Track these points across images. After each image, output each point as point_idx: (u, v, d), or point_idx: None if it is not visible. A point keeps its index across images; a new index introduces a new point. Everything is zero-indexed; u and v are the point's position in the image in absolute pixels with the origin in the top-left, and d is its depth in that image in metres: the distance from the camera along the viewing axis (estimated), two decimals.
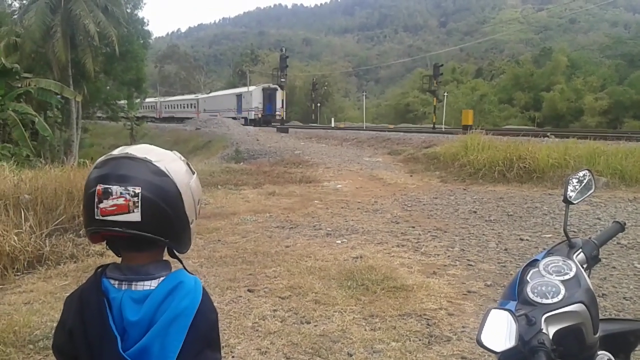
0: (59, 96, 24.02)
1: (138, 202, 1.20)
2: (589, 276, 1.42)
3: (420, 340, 3.88)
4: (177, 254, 1.38)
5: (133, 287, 1.27)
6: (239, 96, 49.72)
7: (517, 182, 11.51)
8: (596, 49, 70.11)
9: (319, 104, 63.80)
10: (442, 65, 41.77)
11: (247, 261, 5.92)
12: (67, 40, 26.96)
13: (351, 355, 3.66)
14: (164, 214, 1.24)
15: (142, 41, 40.20)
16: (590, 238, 1.58)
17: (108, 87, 38.12)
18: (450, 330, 4.04)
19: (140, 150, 1.28)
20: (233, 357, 3.66)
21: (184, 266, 1.39)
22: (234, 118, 42.89)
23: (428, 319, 4.25)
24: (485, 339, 1.16)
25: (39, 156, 17.16)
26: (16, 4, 36.61)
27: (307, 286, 4.98)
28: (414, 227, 7.77)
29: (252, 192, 11.15)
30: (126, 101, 42.18)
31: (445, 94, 39.74)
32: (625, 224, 1.69)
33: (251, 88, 48.48)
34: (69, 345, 1.26)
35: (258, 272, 5.49)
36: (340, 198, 10.39)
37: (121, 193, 1.20)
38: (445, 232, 7.46)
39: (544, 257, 1.45)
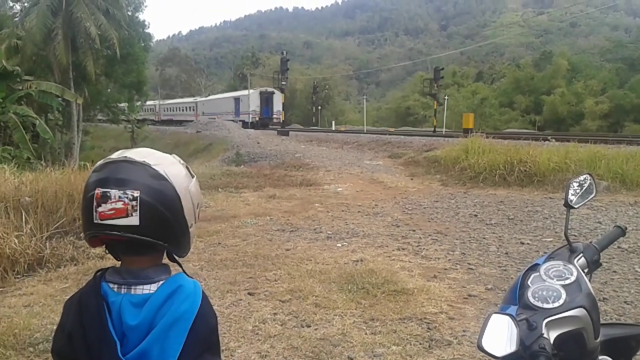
0: (59, 99, 24.02)
1: (137, 206, 1.20)
2: (589, 281, 1.42)
3: (420, 344, 3.87)
4: (176, 257, 1.38)
5: (132, 291, 1.27)
6: (237, 99, 50.26)
7: (517, 186, 11.51)
8: (597, 53, 70.19)
9: (319, 107, 63.83)
10: (442, 68, 41.88)
11: (248, 264, 5.92)
12: (68, 42, 26.97)
13: (352, 359, 3.65)
14: (162, 217, 1.24)
15: (143, 44, 40.21)
16: (591, 242, 1.58)
17: (109, 90, 38.10)
18: (451, 334, 4.04)
19: (139, 153, 1.28)
20: None
21: (183, 270, 1.38)
22: (233, 121, 43.13)
23: (429, 323, 4.24)
24: (486, 343, 1.15)
25: (39, 159, 17.14)
26: (17, 7, 36.70)
27: (308, 289, 4.97)
28: (414, 230, 7.77)
29: (253, 195, 11.15)
30: (127, 104, 42.18)
31: (446, 97, 39.79)
32: (626, 228, 1.69)
33: (249, 91, 49.11)
34: (68, 349, 1.26)
35: (258, 276, 5.48)
36: (341, 201, 10.39)
37: (120, 197, 1.19)
38: (446, 235, 7.46)
39: (544, 262, 1.44)
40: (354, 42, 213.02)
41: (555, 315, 1.24)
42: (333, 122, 49.28)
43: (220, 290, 4.99)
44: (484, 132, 17.80)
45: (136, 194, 1.20)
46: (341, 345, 3.84)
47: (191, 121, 52.93)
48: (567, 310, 1.26)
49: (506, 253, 6.44)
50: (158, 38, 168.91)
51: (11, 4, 38.13)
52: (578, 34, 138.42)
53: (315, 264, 5.90)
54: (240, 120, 43.89)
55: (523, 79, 57.51)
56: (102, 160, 1.28)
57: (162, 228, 1.25)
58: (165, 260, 1.37)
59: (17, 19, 31.20)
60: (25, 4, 32.59)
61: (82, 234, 1.34)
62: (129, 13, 35.89)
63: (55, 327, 1.34)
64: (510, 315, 1.19)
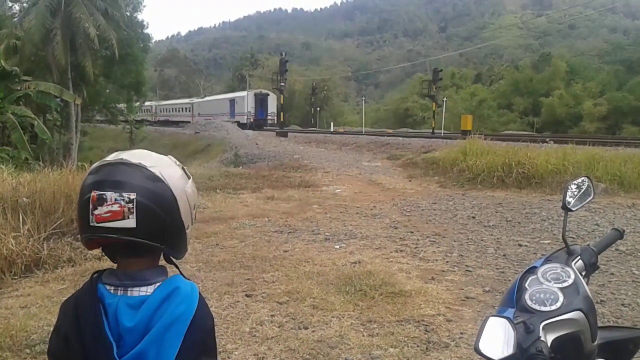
0: (58, 99, 24.01)
1: (133, 208, 1.20)
2: (587, 283, 1.41)
3: (418, 346, 3.87)
4: (173, 259, 1.37)
5: (129, 293, 1.26)
6: (232, 101, 51.25)
7: (515, 188, 11.52)
8: (595, 55, 70.24)
9: (318, 109, 63.91)
10: (441, 70, 41.83)
11: (245, 266, 5.92)
12: (67, 43, 26.94)
13: None
14: (159, 219, 1.24)
15: (142, 45, 40.20)
16: (589, 245, 1.58)
17: (107, 91, 38.06)
18: (449, 337, 4.04)
19: (135, 155, 1.28)
20: None
21: (180, 272, 1.38)
22: (228, 121, 43.40)
23: (426, 325, 4.24)
24: (483, 346, 1.15)
25: (37, 159, 17.18)
26: (16, 7, 36.69)
27: (305, 291, 4.97)
28: (412, 232, 7.77)
29: (251, 196, 11.14)
30: (125, 105, 42.18)
31: (445, 99, 39.79)
32: (624, 231, 1.69)
33: (243, 93, 50.53)
34: (65, 351, 1.25)
35: (256, 277, 5.48)
36: (339, 203, 10.39)
37: (116, 199, 1.19)
38: (444, 237, 7.46)
39: (542, 264, 1.44)
40: (353, 43, 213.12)
41: (552, 318, 1.24)
42: (332, 124, 49.35)
43: (218, 292, 4.99)
44: (483, 133, 17.78)
45: (132, 196, 1.20)
46: (339, 347, 3.84)
47: (187, 122, 53.91)
48: (564, 313, 1.25)
49: (504, 255, 6.44)
50: (157, 39, 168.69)
51: (10, 4, 38.15)
52: (577, 36, 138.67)
53: (313, 265, 5.90)
54: (235, 121, 44.21)
55: (521, 80, 57.56)
56: (97, 163, 1.27)
57: (159, 230, 1.25)
58: (162, 262, 1.37)
59: (15, 19, 31.17)
60: (24, 4, 32.61)
61: (79, 236, 1.34)
62: (128, 13, 35.86)
63: (51, 329, 1.33)
64: (508, 318, 1.18)
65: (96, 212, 1.19)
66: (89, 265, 5.86)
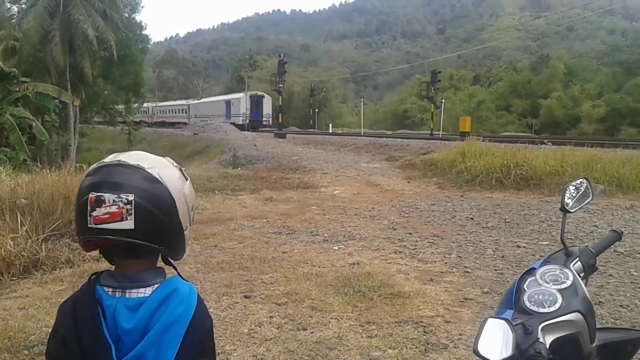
0: (56, 100, 23.99)
1: (131, 209, 1.20)
2: (586, 285, 1.41)
3: (417, 347, 3.87)
4: (171, 260, 1.37)
5: (127, 295, 1.26)
6: (228, 102, 51.95)
7: (514, 189, 11.53)
8: (593, 57, 70.48)
9: (317, 110, 63.86)
10: (440, 72, 41.84)
11: (244, 267, 5.91)
12: (66, 44, 26.90)
13: None
14: (157, 221, 1.24)
15: (140, 46, 40.17)
16: (587, 246, 1.58)
17: (106, 92, 37.99)
18: (447, 338, 4.04)
19: (133, 157, 1.28)
20: None
21: (178, 273, 1.38)
22: (225, 123, 43.67)
23: (425, 326, 4.24)
24: (482, 348, 1.15)
25: (36, 160, 17.14)
26: (15, 8, 36.63)
27: (304, 292, 4.96)
28: (411, 233, 7.77)
29: (250, 197, 11.14)
30: (124, 106, 42.15)
31: (443, 100, 39.75)
32: (622, 232, 1.69)
33: (239, 95, 51.34)
34: (63, 353, 1.25)
35: (254, 278, 5.47)
36: (338, 204, 10.39)
37: (114, 201, 1.19)
38: (442, 238, 7.46)
39: (540, 266, 1.44)
40: (352, 45, 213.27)
41: (551, 319, 1.24)
42: (330, 125, 49.46)
43: (216, 293, 4.98)
44: (481, 135, 17.83)
45: (130, 197, 1.20)
46: (337, 349, 3.83)
47: (184, 123, 54.91)
48: (563, 315, 1.25)
49: (502, 256, 6.44)
50: (155, 40, 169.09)
51: (8, 6, 38.09)
52: (575, 37, 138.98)
53: (311, 266, 5.90)
54: (231, 123, 44.54)
55: (520, 82, 57.68)
56: (95, 164, 1.27)
57: (157, 231, 1.25)
58: (161, 263, 1.37)
59: (14, 20, 31.12)
60: (23, 6, 32.55)
61: (77, 237, 1.33)
62: (126, 15, 35.83)
63: (50, 331, 1.33)
64: (506, 320, 1.18)
65: (94, 213, 1.19)
66: (87, 266, 5.86)
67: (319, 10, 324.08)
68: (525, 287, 1.38)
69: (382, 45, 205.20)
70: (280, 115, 38.16)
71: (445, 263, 6.17)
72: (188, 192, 1.33)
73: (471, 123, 29.25)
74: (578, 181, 1.67)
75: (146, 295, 1.26)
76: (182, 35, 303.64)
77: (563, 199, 1.58)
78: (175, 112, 64.33)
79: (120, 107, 41.99)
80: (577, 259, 1.49)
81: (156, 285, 1.28)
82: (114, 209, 1.19)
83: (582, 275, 1.47)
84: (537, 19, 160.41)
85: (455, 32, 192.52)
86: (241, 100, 49.06)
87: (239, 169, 18.04)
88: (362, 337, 4.05)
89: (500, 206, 9.83)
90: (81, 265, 5.96)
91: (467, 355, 3.70)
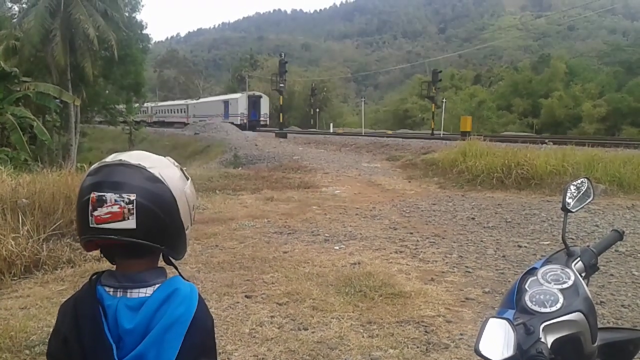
0: (57, 100, 23.98)
1: (133, 209, 1.20)
2: (587, 285, 1.41)
3: (418, 347, 3.87)
4: (172, 260, 1.37)
5: (128, 295, 1.26)
6: (226, 102, 52.72)
7: (515, 189, 11.52)
8: (594, 56, 70.39)
9: (317, 110, 63.89)
10: (440, 71, 41.83)
11: (245, 267, 5.91)
12: (66, 44, 26.91)
13: None
14: (159, 220, 1.24)
15: (141, 45, 40.19)
16: (588, 246, 1.58)
17: (107, 92, 38.04)
18: (448, 338, 4.03)
19: (134, 156, 1.28)
20: None
21: (179, 273, 1.38)
22: (226, 123, 43.95)
23: (426, 326, 4.24)
24: (484, 348, 1.15)
25: (37, 160, 17.11)
26: (15, 8, 36.66)
27: (305, 292, 4.96)
28: (412, 233, 7.77)
29: (251, 197, 11.14)
30: (125, 105, 42.17)
31: (444, 100, 39.79)
32: (624, 232, 1.68)
33: (237, 95, 52.48)
34: (64, 353, 1.25)
35: (256, 278, 5.47)
36: (339, 204, 10.38)
37: (116, 200, 1.19)
38: (444, 238, 7.46)
39: (542, 266, 1.44)
40: (353, 44, 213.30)
41: (552, 319, 1.24)
42: (331, 125, 49.52)
43: (217, 293, 4.98)
44: (482, 135, 17.83)
45: (132, 197, 1.20)
46: (338, 349, 3.83)
47: (182, 123, 55.73)
48: (564, 315, 1.25)
49: (503, 256, 6.44)
50: (156, 40, 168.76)
51: (9, 5, 38.14)
52: (576, 37, 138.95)
53: (312, 266, 5.89)
54: (229, 122, 44.82)
55: (521, 82, 57.65)
56: (96, 164, 1.27)
57: (159, 231, 1.25)
58: (162, 263, 1.37)
59: (15, 20, 31.14)
60: (24, 5, 32.57)
61: (78, 237, 1.33)
62: (126, 14, 35.84)
63: (51, 330, 1.33)
64: (508, 320, 1.18)
65: (96, 213, 1.19)
66: (89, 266, 5.86)
67: (320, 9, 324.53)
68: (526, 287, 1.37)
69: (383, 45, 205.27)
70: (281, 115, 38.17)
71: (447, 263, 6.17)
72: (189, 192, 1.33)
73: (472, 123, 29.21)
74: (579, 181, 1.66)
75: (147, 295, 1.26)
76: (182, 34, 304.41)
77: (564, 198, 1.58)
78: (174, 112, 64.93)
79: (121, 106, 42.01)
80: (579, 258, 1.49)
81: (157, 285, 1.28)
82: (115, 208, 1.19)
83: (583, 275, 1.46)
84: (538, 19, 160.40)
85: (456, 32, 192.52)
86: (239, 100, 49.90)
87: (240, 168, 18.03)
88: (363, 337, 4.05)
89: (502, 206, 9.83)
90: (82, 265, 5.96)
91: (468, 355, 3.70)
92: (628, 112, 44.78)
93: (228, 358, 3.70)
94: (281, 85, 35.95)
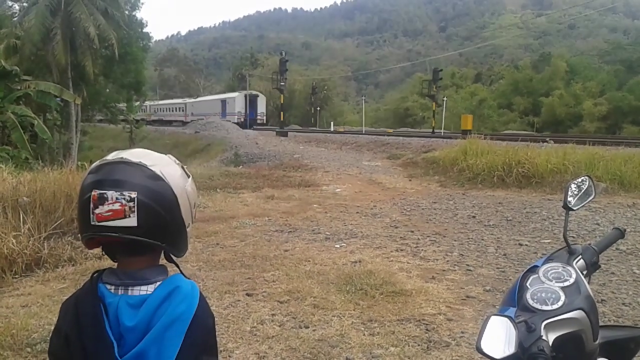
0: (58, 99, 23.99)
1: (134, 207, 1.20)
2: (588, 283, 1.41)
3: (419, 345, 3.87)
4: (173, 258, 1.38)
5: (129, 292, 1.26)
6: (224, 101, 53.99)
7: (516, 187, 11.52)
8: (595, 55, 70.34)
9: (318, 108, 64.00)
10: (441, 70, 41.81)
11: (246, 265, 5.91)
12: (67, 42, 26.93)
13: None
14: (160, 218, 1.24)
15: (142, 44, 40.18)
16: (590, 244, 1.58)
17: (107, 90, 38.06)
18: (449, 336, 4.03)
19: (135, 154, 1.28)
20: None
21: (180, 270, 1.38)
22: (227, 121, 44.32)
23: (427, 324, 4.24)
24: (485, 345, 1.15)
25: (37, 159, 17.14)
26: (16, 7, 36.64)
27: (306, 290, 4.96)
28: (412, 231, 7.76)
29: (251, 195, 11.14)
30: (125, 104, 42.18)
31: (445, 98, 39.75)
32: (625, 230, 1.69)
33: (234, 94, 53.80)
34: (65, 351, 1.25)
35: (256, 276, 5.47)
36: (339, 202, 10.38)
37: (117, 198, 1.19)
38: (444, 236, 7.46)
39: (543, 264, 1.44)
40: (353, 43, 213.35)
41: (554, 317, 1.24)
42: (332, 123, 49.60)
43: (218, 291, 4.99)
44: (483, 133, 17.79)
45: (133, 195, 1.20)
46: (339, 347, 3.83)
47: (180, 121, 57.16)
48: (565, 313, 1.25)
49: (504, 254, 6.44)
50: (157, 38, 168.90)
51: (10, 4, 38.10)
52: (576, 35, 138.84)
53: (313, 264, 5.90)
54: (227, 121, 45.23)
55: (521, 80, 57.63)
56: (97, 162, 1.27)
57: (160, 228, 1.25)
58: (163, 261, 1.37)
59: (15, 18, 31.16)
60: (24, 4, 32.54)
61: (79, 235, 1.33)
62: (127, 12, 35.83)
63: (52, 328, 1.33)
64: (509, 317, 1.18)
65: (97, 211, 1.19)
66: (90, 264, 5.86)
67: (321, 8, 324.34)
68: (528, 284, 1.37)
69: (384, 44, 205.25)
70: (281, 113, 38.23)
71: (447, 261, 6.17)
72: (190, 190, 1.33)
73: (473, 121, 29.24)
74: (580, 179, 1.66)
75: (148, 292, 1.26)
76: (183, 33, 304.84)
77: (566, 197, 1.58)
78: (173, 111, 65.80)
79: (122, 105, 42.03)
80: (580, 256, 1.49)
81: (158, 283, 1.28)
82: (116, 206, 1.19)
83: (584, 273, 1.47)
84: (538, 17, 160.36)
85: (457, 30, 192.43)
86: (236, 99, 51.11)
87: (241, 167, 18.03)
88: (364, 335, 4.05)
89: (502, 204, 9.82)
90: (83, 263, 5.96)
91: (469, 353, 3.70)
92: (629, 110, 44.76)
93: (229, 356, 3.70)
94: (282, 83, 35.99)
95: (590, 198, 1.66)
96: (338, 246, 6.84)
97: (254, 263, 5.98)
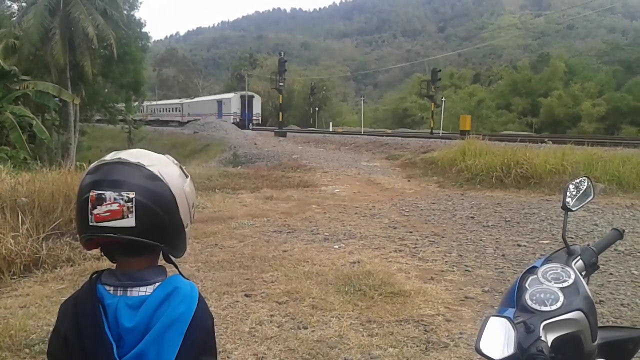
0: (56, 99, 23.98)
1: (132, 207, 1.20)
2: (587, 283, 1.41)
3: (417, 346, 3.87)
4: (172, 258, 1.37)
5: (128, 293, 1.26)
6: (220, 102, 54.74)
7: (514, 188, 11.52)
8: (594, 55, 70.45)
9: (317, 108, 64.01)
10: (440, 70, 41.90)
11: (244, 266, 5.91)
12: (66, 42, 26.90)
13: None
14: (158, 218, 1.24)
15: (140, 44, 40.14)
16: (588, 245, 1.58)
17: (106, 90, 38.00)
18: (448, 337, 4.03)
19: (133, 154, 1.28)
20: None
21: (179, 271, 1.38)
22: (225, 122, 44.57)
23: (425, 325, 4.24)
24: (484, 346, 1.15)
25: (36, 159, 17.08)
26: (15, 6, 36.59)
27: (305, 291, 4.96)
28: (411, 232, 7.77)
29: (250, 196, 11.14)
30: (124, 104, 42.14)
31: (443, 99, 39.78)
32: (623, 231, 1.69)
33: (230, 95, 54.64)
34: (64, 352, 1.25)
35: (255, 277, 5.47)
36: (338, 203, 10.38)
37: (115, 199, 1.19)
38: (443, 237, 7.46)
39: (542, 264, 1.44)
40: (352, 43, 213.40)
41: (552, 318, 1.24)
42: (330, 124, 49.65)
43: (217, 292, 4.98)
44: (481, 133, 17.82)
45: (131, 195, 1.20)
46: (338, 347, 3.83)
47: (177, 121, 57.96)
48: (564, 313, 1.25)
49: (503, 255, 6.44)
50: (156, 38, 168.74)
51: (9, 4, 38.03)
52: (575, 36, 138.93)
53: (312, 265, 5.89)
54: (224, 121, 45.59)
55: (520, 81, 57.72)
56: (95, 162, 1.27)
57: (158, 229, 1.25)
58: (162, 261, 1.37)
59: (14, 18, 31.11)
60: (23, 4, 32.49)
61: (78, 236, 1.33)
62: (125, 12, 35.78)
63: (51, 329, 1.33)
64: (508, 318, 1.18)
65: (95, 211, 1.19)
66: (88, 265, 5.86)
67: (319, 8, 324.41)
68: (527, 285, 1.37)
69: (383, 44, 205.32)
70: (280, 113, 38.25)
71: (446, 262, 6.17)
72: (188, 190, 1.33)
73: (471, 122, 29.26)
74: (579, 180, 1.67)
75: (147, 293, 1.26)
76: (182, 33, 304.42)
77: (565, 197, 1.58)
78: (169, 111, 66.53)
79: (121, 105, 42.00)
80: (579, 257, 1.49)
81: (157, 284, 1.28)
82: (114, 206, 1.19)
83: (583, 273, 1.47)
84: (537, 18, 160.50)
85: (456, 31, 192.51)
86: (232, 99, 51.97)
87: (239, 167, 18.03)
88: (362, 335, 4.05)
89: (501, 205, 9.83)
90: (82, 263, 5.96)
91: (467, 354, 3.70)
92: (627, 111, 44.85)
93: (227, 357, 3.70)
94: (280, 84, 36.03)
95: (589, 199, 1.66)
96: (337, 247, 6.84)
97: (252, 264, 5.98)
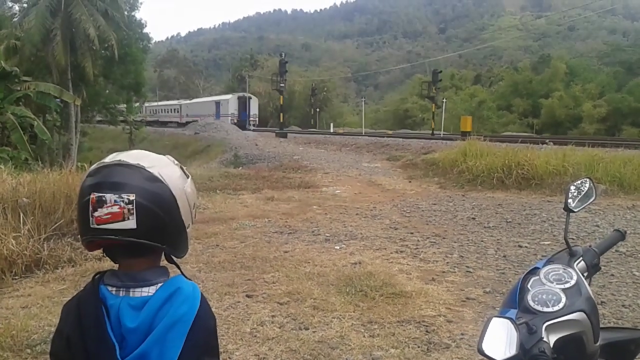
0: (58, 100, 23.99)
1: (133, 209, 1.20)
2: (589, 284, 1.41)
3: (419, 347, 3.87)
4: (174, 259, 1.38)
5: (131, 294, 1.26)
6: (218, 103, 55.46)
7: (515, 189, 11.52)
8: (594, 57, 70.47)
9: (318, 109, 64.03)
10: (441, 71, 41.88)
11: (246, 266, 5.91)
12: (67, 43, 26.95)
13: None
14: (159, 220, 1.24)
15: (141, 44, 40.18)
16: (590, 246, 1.58)
17: (107, 91, 38.03)
18: (449, 337, 4.03)
19: (133, 156, 1.28)
20: None
21: (181, 272, 1.38)
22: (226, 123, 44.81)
23: (427, 326, 4.24)
24: (486, 347, 1.15)
25: (37, 160, 17.10)
26: (16, 7, 36.67)
27: (306, 292, 4.96)
28: (412, 233, 7.76)
29: (251, 197, 11.14)
30: (125, 105, 42.16)
31: (444, 100, 39.82)
32: (625, 232, 1.68)
33: (228, 96, 55.43)
34: (67, 353, 1.25)
35: (256, 278, 5.47)
36: (339, 203, 10.38)
37: (115, 201, 1.19)
38: (444, 238, 7.46)
39: (544, 265, 1.44)
40: (353, 44, 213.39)
41: (555, 319, 1.24)
42: (331, 125, 49.65)
43: (219, 293, 4.99)
44: (482, 135, 17.83)
45: (132, 197, 1.20)
46: (339, 348, 3.83)
47: (175, 122, 58.85)
48: (567, 314, 1.25)
49: (504, 256, 6.44)
50: (157, 39, 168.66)
51: (10, 5, 38.16)
52: (576, 37, 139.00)
53: (313, 266, 5.89)
54: (224, 122, 45.65)
55: (521, 82, 57.68)
56: (96, 164, 1.27)
57: (159, 230, 1.25)
58: (164, 262, 1.37)
59: (15, 19, 31.17)
60: (24, 5, 32.58)
61: (79, 237, 1.34)
62: (126, 12, 35.82)
63: (53, 329, 1.33)
64: (510, 319, 1.18)
65: (96, 214, 1.19)
66: (90, 265, 5.86)
67: (320, 9, 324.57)
68: (529, 286, 1.37)
69: (383, 45, 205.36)
70: (281, 114, 38.25)
71: (447, 263, 6.17)
72: (189, 190, 1.33)
73: (472, 123, 29.26)
74: (581, 181, 1.67)
75: (150, 294, 1.26)
76: (183, 34, 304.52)
77: (566, 198, 1.58)
78: (168, 112, 66.91)
79: (122, 106, 42.02)
80: (581, 258, 1.49)
81: (160, 284, 1.28)
82: (115, 209, 1.19)
83: (585, 274, 1.47)
84: (538, 19, 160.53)
85: (456, 32, 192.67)
86: (230, 101, 52.67)
87: (240, 168, 18.02)
88: (364, 336, 4.05)
89: (502, 206, 9.82)
90: (83, 264, 5.96)
91: (469, 354, 3.70)
92: (628, 112, 44.83)
93: (229, 357, 3.70)
94: (281, 85, 36.04)
95: (591, 200, 1.66)
96: (338, 248, 6.84)
97: (253, 264, 5.98)
